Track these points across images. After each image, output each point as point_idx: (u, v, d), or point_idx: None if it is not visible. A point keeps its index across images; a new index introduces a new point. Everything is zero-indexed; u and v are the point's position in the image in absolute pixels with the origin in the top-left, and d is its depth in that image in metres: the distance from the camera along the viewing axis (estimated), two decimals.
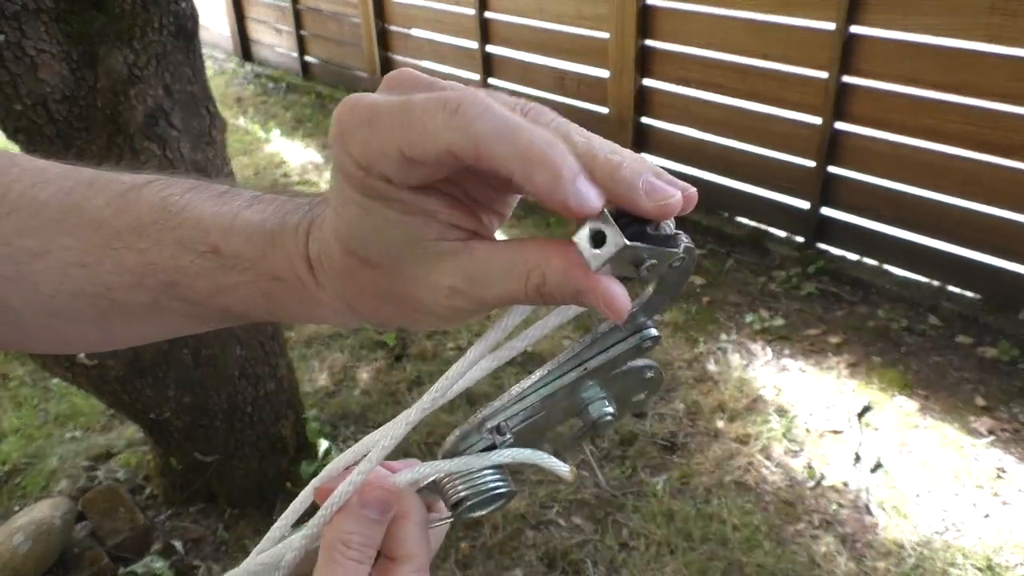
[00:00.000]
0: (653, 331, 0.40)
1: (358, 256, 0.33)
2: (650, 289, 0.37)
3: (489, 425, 0.40)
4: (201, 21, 1.84)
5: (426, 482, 0.42)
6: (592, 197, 0.29)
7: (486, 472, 0.41)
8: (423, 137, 0.29)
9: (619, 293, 0.31)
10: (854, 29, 2.89)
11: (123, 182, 0.42)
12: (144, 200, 0.41)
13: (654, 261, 0.32)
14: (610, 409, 0.41)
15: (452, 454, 0.41)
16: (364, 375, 2.78)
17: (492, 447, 0.41)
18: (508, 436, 0.40)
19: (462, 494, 0.41)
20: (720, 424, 2.45)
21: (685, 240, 0.34)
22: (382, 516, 0.38)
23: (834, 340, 2.82)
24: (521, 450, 0.41)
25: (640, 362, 0.42)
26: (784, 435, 2.40)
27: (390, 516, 0.38)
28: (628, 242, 0.30)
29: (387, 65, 5.25)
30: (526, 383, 0.41)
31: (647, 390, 0.43)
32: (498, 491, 0.41)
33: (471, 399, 2.30)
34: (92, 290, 0.40)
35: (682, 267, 0.35)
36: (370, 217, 0.32)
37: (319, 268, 0.36)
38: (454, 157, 0.29)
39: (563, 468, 0.42)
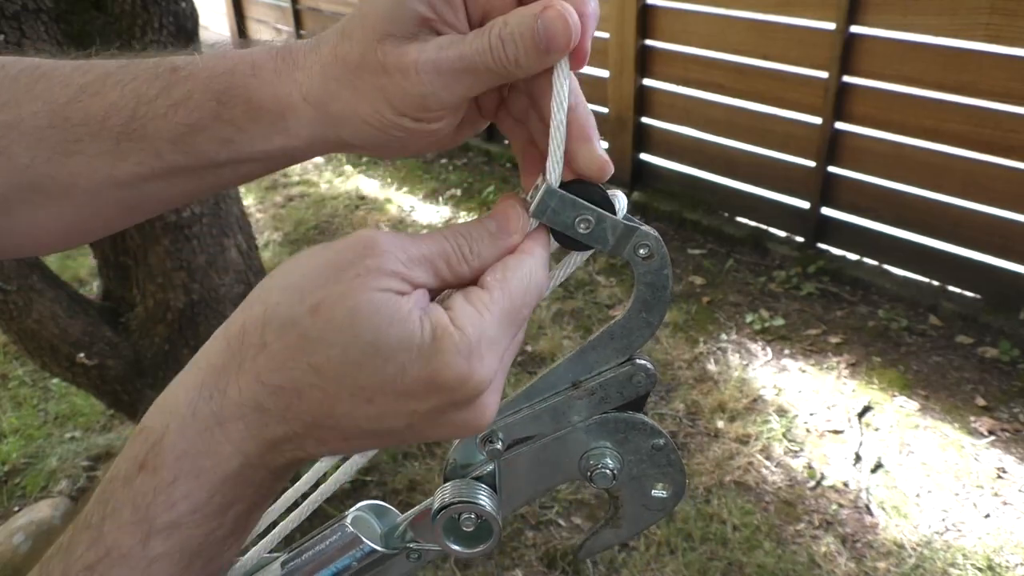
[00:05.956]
0: (645, 362, 0.43)
1: (383, 23, 0.39)
2: (641, 289, 0.41)
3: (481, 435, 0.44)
4: (201, 21, 1.84)
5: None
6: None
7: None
8: None
9: (519, 211, 0.38)
10: (854, 29, 2.89)
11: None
12: (112, 60, 0.44)
13: (587, 217, 0.38)
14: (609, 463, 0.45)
15: (455, 473, 0.45)
16: None
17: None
18: (499, 444, 0.43)
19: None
20: (720, 424, 2.45)
21: (634, 219, 0.39)
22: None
23: (834, 340, 2.82)
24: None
25: (639, 418, 0.44)
26: (784, 435, 2.40)
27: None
28: (550, 184, 0.38)
29: None
30: (520, 392, 0.44)
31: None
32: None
33: None
34: (63, 148, 0.42)
35: (656, 262, 0.39)
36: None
37: (305, 57, 0.42)
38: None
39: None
